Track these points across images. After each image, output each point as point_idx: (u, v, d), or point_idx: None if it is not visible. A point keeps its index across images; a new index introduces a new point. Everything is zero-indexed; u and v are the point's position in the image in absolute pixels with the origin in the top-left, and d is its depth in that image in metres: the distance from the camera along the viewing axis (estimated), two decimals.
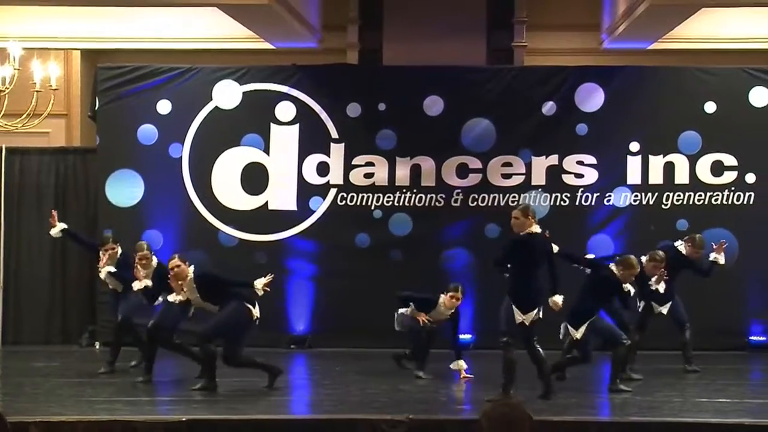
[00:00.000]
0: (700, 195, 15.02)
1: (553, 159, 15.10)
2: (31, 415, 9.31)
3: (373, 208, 15.23)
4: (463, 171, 15.16)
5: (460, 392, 11.94)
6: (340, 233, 15.14)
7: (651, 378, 12.08)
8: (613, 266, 11.33)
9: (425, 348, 12.52)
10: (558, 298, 10.79)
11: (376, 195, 15.21)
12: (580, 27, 16.05)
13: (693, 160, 15.06)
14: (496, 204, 15.08)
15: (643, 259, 12.02)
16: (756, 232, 14.82)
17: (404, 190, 15.19)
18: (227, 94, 15.36)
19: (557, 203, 15.02)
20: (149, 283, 11.95)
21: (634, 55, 15.75)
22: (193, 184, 15.30)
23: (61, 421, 9.16)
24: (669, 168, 15.08)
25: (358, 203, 15.22)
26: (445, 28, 15.48)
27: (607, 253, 13.16)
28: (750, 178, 14.98)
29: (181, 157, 15.34)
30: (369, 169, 15.24)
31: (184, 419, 9.26)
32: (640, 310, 12.62)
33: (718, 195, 15.01)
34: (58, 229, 13.33)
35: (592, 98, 15.14)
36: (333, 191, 15.26)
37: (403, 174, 15.19)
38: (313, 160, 15.28)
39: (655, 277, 12.01)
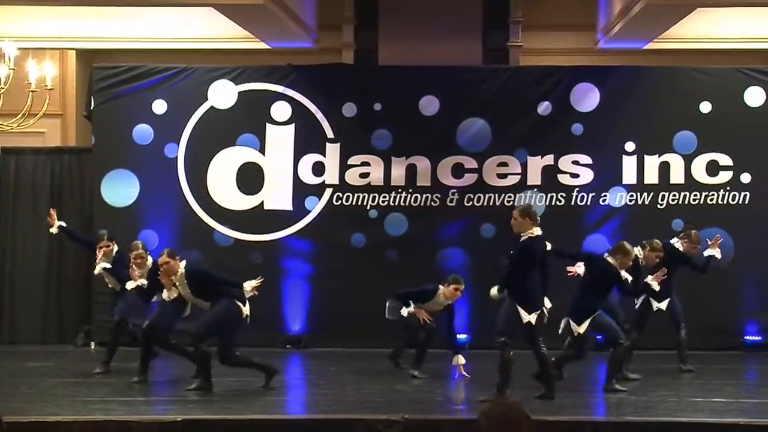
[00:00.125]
0: (696, 195, 15.03)
1: (549, 159, 15.11)
2: (26, 415, 9.31)
3: (368, 207, 15.23)
4: (458, 171, 15.16)
5: (456, 392, 11.95)
6: (335, 233, 15.14)
7: (646, 378, 12.08)
8: (607, 256, 11.36)
9: (423, 347, 12.49)
10: (546, 302, 10.79)
11: (371, 195, 15.21)
12: (576, 27, 16.07)
13: (688, 160, 15.08)
14: (491, 204, 15.09)
15: (637, 250, 12.04)
16: (751, 231, 14.84)
17: (400, 190, 15.19)
18: (223, 94, 15.36)
19: (553, 203, 15.02)
20: (144, 282, 11.94)
21: (630, 55, 15.77)
22: (189, 184, 15.29)
23: (56, 421, 9.15)
24: (664, 168, 15.09)
25: (354, 203, 15.22)
26: (441, 28, 15.49)
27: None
28: (745, 178, 15.00)
29: (176, 157, 15.33)
30: (364, 169, 15.24)
31: (179, 419, 9.26)
32: (637, 307, 12.64)
33: (713, 195, 15.03)
34: (55, 226, 13.38)
35: (587, 98, 15.15)
36: (328, 191, 15.26)
37: (398, 174, 15.19)
38: (309, 159, 15.27)
39: (655, 275, 12.00)
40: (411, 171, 15.20)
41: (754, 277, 14.91)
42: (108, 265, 12.90)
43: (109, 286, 13.11)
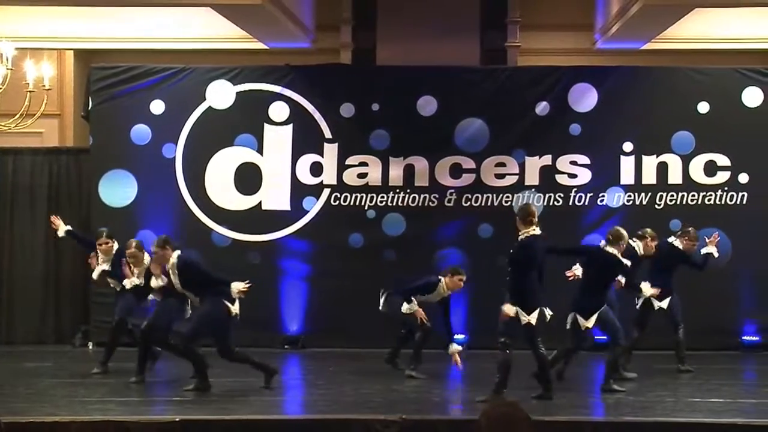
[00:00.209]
0: (694, 195, 15.03)
1: (547, 159, 15.11)
2: (24, 416, 9.31)
3: (366, 208, 15.23)
4: (456, 171, 15.16)
5: (454, 392, 11.96)
6: (333, 233, 15.14)
7: (644, 378, 12.09)
8: (604, 246, 11.39)
9: (419, 347, 12.48)
10: (546, 312, 10.78)
11: (369, 195, 15.21)
12: (574, 27, 16.07)
13: (686, 160, 15.08)
14: (489, 204, 15.10)
15: (632, 243, 12.15)
16: (749, 232, 14.85)
17: (398, 190, 15.20)
18: (221, 94, 15.36)
19: (551, 203, 15.03)
20: (138, 281, 11.92)
21: (628, 56, 15.77)
22: (187, 184, 15.29)
23: (54, 421, 9.14)
24: (662, 168, 15.10)
25: (352, 203, 15.22)
26: (439, 29, 15.48)
27: None
28: (743, 178, 15.00)
29: (174, 157, 15.33)
30: (362, 169, 15.24)
31: (177, 419, 9.26)
32: (638, 307, 12.68)
33: (711, 195, 15.03)
34: (62, 230, 13.36)
35: (585, 98, 15.15)
36: (326, 191, 15.25)
37: (396, 174, 15.20)
38: (307, 160, 15.27)
39: (651, 287, 12.10)
40: (409, 171, 15.20)
41: (752, 277, 14.92)
42: (106, 267, 12.87)
43: (111, 285, 13.05)
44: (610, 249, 11.34)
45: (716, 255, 13.10)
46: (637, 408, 10.27)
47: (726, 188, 15.03)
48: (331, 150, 15.27)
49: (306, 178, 15.27)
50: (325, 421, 9.58)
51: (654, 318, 12.77)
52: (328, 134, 15.27)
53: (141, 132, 15.36)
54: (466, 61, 15.55)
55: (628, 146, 15.09)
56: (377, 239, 15.15)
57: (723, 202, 15.02)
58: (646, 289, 12.31)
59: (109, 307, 13.76)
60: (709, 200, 15.02)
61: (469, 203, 15.15)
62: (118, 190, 15.28)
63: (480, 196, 15.12)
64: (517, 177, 15.14)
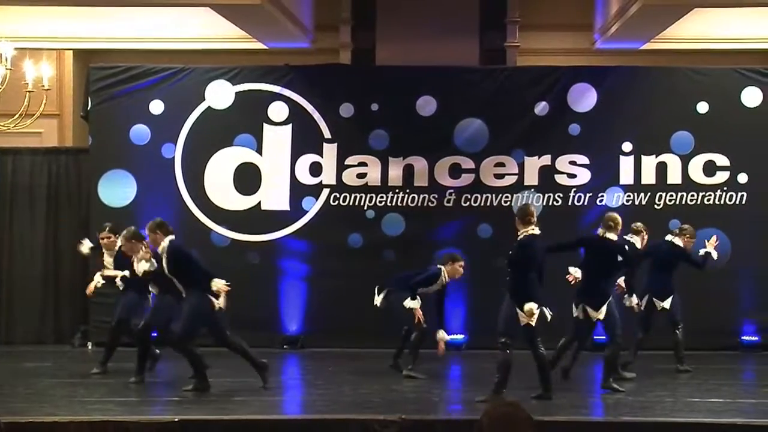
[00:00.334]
0: (693, 195, 15.04)
1: (546, 159, 15.11)
2: (23, 416, 9.31)
3: (365, 208, 15.23)
4: (455, 171, 15.16)
5: (453, 393, 11.96)
6: (332, 233, 15.14)
7: (643, 378, 12.09)
8: (603, 233, 11.42)
9: (416, 346, 12.45)
10: (546, 313, 10.77)
11: (368, 195, 15.22)
12: (573, 27, 16.07)
13: (685, 160, 15.09)
14: (488, 204, 15.10)
15: (629, 239, 12.31)
16: (748, 232, 14.86)
17: (397, 190, 15.20)
18: (220, 94, 15.36)
19: (550, 203, 15.03)
20: (148, 266, 11.79)
21: (627, 56, 15.77)
22: (186, 184, 15.29)
23: (53, 421, 9.14)
24: (661, 168, 15.10)
25: (351, 203, 15.22)
26: (438, 29, 15.48)
27: None
28: (742, 178, 15.01)
29: (173, 157, 15.33)
30: (362, 169, 15.24)
31: (176, 419, 9.25)
32: (642, 308, 12.71)
33: (710, 195, 15.04)
34: (86, 246, 13.25)
35: (584, 98, 15.16)
36: (326, 191, 15.25)
37: (395, 174, 15.20)
38: (306, 160, 15.27)
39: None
40: (408, 171, 15.20)
41: (751, 277, 14.93)
42: (108, 273, 12.76)
43: (118, 285, 12.90)
44: (610, 235, 11.39)
45: (715, 257, 13.10)
46: (636, 408, 10.27)
47: (725, 188, 15.04)
48: (330, 150, 15.27)
49: (305, 178, 15.27)
50: (324, 421, 9.58)
51: (657, 318, 12.82)
52: (327, 134, 15.27)
53: (140, 132, 15.36)
54: (465, 61, 15.55)
55: (627, 146, 15.10)
56: (376, 239, 15.15)
57: (722, 202, 15.02)
58: (631, 300, 12.29)
59: (109, 307, 13.75)
60: (709, 200, 15.02)
61: (468, 203, 15.15)
62: (117, 190, 15.27)
63: (479, 196, 15.13)
64: (516, 177, 15.14)
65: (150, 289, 12.08)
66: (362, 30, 15.91)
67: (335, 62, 15.82)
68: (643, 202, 15.02)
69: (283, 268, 15.28)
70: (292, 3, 14.41)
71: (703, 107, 15.12)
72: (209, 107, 15.35)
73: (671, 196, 15.04)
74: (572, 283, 11.95)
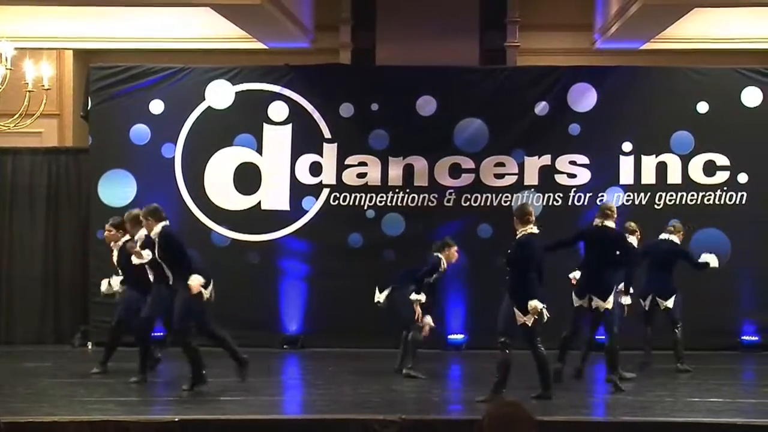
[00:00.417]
0: (693, 195, 15.04)
1: (546, 159, 15.11)
2: (23, 416, 9.31)
3: (365, 208, 15.23)
4: (455, 171, 15.16)
5: (453, 392, 11.95)
6: (332, 233, 15.14)
7: (643, 378, 12.10)
8: (602, 222, 11.45)
9: (416, 345, 12.40)
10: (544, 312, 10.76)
11: (368, 195, 15.22)
12: (573, 27, 16.07)
13: (685, 160, 15.09)
14: (488, 204, 15.10)
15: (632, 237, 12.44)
16: (748, 232, 14.86)
17: (397, 190, 15.20)
18: (220, 94, 15.36)
19: (550, 203, 15.03)
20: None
21: (627, 55, 15.77)
22: (186, 184, 15.29)
23: (53, 421, 9.14)
24: (661, 168, 15.10)
25: (351, 203, 15.22)
26: (438, 29, 15.48)
27: None
28: (742, 178, 15.01)
29: (173, 157, 15.33)
30: (362, 169, 15.24)
31: (176, 419, 9.26)
32: (646, 308, 12.76)
33: (710, 195, 15.04)
34: (116, 284, 12.89)
35: (584, 98, 15.16)
36: (326, 191, 15.25)
37: (395, 174, 15.20)
38: (306, 160, 15.27)
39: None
40: (408, 171, 15.20)
41: (751, 277, 14.93)
42: (114, 287, 12.65)
43: (117, 291, 12.81)
44: (609, 223, 11.44)
45: (715, 265, 13.14)
46: (636, 408, 10.27)
47: (725, 188, 15.04)
48: (330, 150, 15.27)
49: (305, 177, 15.27)
50: (324, 421, 9.58)
51: (659, 317, 12.88)
52: (327, 134, 15.27)
53: (140, 132, 15.36)
54: (465, 61, 15.55)
55: (627, 146, 15.10)
56: (376, 239, 15.15)
57: (722, 202, 15.02)
58: (624, 299, 12.30)
59: (109, 307, 13.74)
60: (709, 200, 15.02)
61: (468, 203, 15.15)
62: (117, 189, 15.27)
63: (479, 196, 15.13)
64: (516, 177, 15.14)
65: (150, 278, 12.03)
66: (362, 30, 15.91)
67: (335, 62, 15.82)
68: (643, 202, 15.02)
69: (283, 268, 15.28)
70: (292, 3, 14.41)
71: (703, 107, 15.12)
72: (209, 107, 15.35)
73: (671, 196, 15.04)
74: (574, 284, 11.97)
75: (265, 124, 15.30)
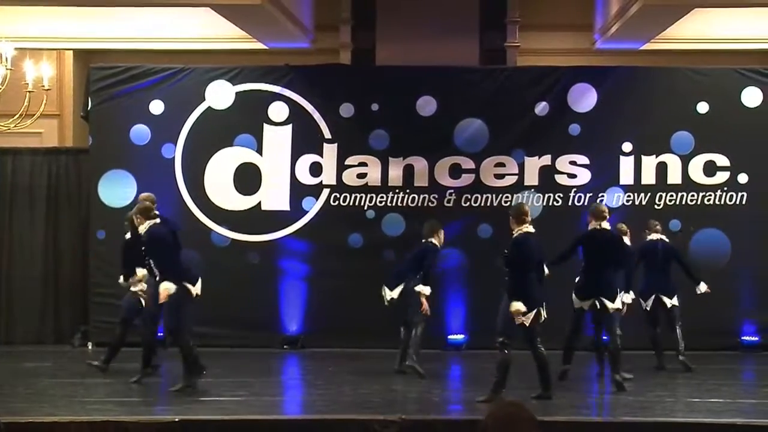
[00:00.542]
0: (693, 195, 15.04)
1: (546, 159, 15.11)
2: (23, 416, 9.31)
3: (366, 208, 15.23)
4: (456, 171, 15.16)
5: (453, 393, 11.95)
6: (333, 233, 15.14)
7: (643, 378, 12.09)
8: (599, 225, 11.45)
9: (421, 337, 12.36)
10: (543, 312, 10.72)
11: (369, 195, 15.21)
12: (573, 27, 16.07)
13: (686, 161, 15.08)
14: (488, 204, 15.09)
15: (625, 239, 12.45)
16: (748, 232, 14.86)
17: (397, 191, 15.19)
18: (220, 95, 15.35)
19: (550, 203, 15.03)
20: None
21: (627, 56, 15.78)
22: (186, 184, 15.29)
23: (53, 421, 9.14)
24: (662, 168, 15.10)
25: (351, 203, 15.22)
26: (438, 29, 15.48)
27: None
28: (742, 178, 15.01)
29: (173, 157, 15.32)
30: (362, 170, 15.24)
31: (176, 419, 9.26)
32: (648, 308, 12.78)
33: (710, 195, 15.03)
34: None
35: (584, 98, 15.15)
36: (326, 191, 15.25)
37: (396, 174, 15.19)
38: (306, 160, 15.27)
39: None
40: (408, 171, 15.20)
41: (751, 277, 14.93)
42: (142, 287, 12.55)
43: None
44: (605, 225, 11.50)
45: (703, 291, 13.18)
46: (636, 408, 10.27)
47: (725, 188, 15.03)
48: (330, 150, 15.27)
49: (305, 178, 15.27)
50: (324, 421, 9.58)
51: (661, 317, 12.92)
52: (327, 134, 15.27)
53: (140, 132, 15.36)
54: (465, 61, 15.55)
55: (627, 146, 15.09)
56: (377, 239, 15.14)
57: (722, 202, 15.02)
58: (627, 298, 12.30)
59: (109, 307, 13.76)
60: (709, 200, 15.02)
61: (468, 203, 15.15)
62: (117, 190, 15.26)
63: (479, 196, 15.12)
64: (516, 177, 15.14)
65: None
66: (362, 30, 15.91)
67: (335, 62, 15.82)
68: (644, 203, 15.02)
69: (283, 268, 15.27)
70: (292, 3, 14.41)
71: (703, 107, 15.12)
72: (209, 107, 15.35)
73: (671, 196, 15.04)
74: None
75: (265, 125, 15.29)
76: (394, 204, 15.19)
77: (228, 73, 15.39)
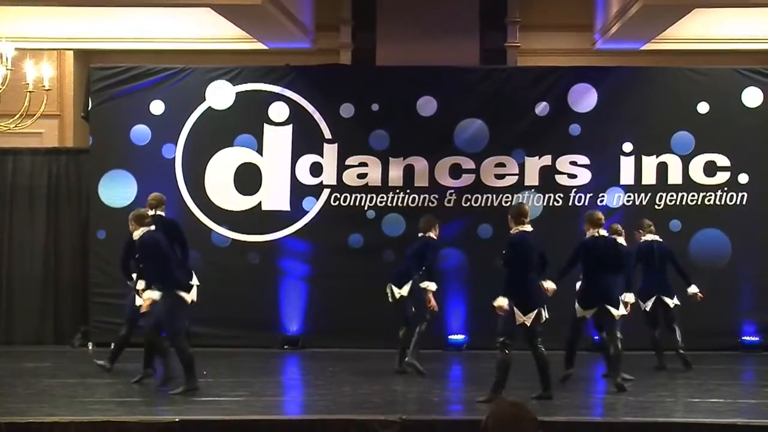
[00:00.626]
0: (693, 195, 15.03)
1: (546, 159, 15.11)
2: (23, 416, 9.31)
3: (366, 208, 15.23)
4: (456, 171, 15.16)
5: (453, 393, 11.94)
6: (333, 233, 15.14)
7: (643, 378, 12.09)
8: (597, 233, 11.47)
9: (421, 335, 12.34)
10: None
11: (369, 195, 15.21)
12: (573, 27, 16.07)
13: (686, 161, 15.08)
14: (489, 204, 15.09)
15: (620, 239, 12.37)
16: (749, 232, 14.86)
17: (397, 191, 15.19)
18: (220, 95, 15.36)
19: (550, 204, 15.03)
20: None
21: (627, 56, 15.78)
22: (186, 184, 15.29)
23: (54, 421, 9.14)
24: (662, 168, 15.10)
25: (352, 203, 15.22)
26: (439, 29, 15.48)
27: None
28: (743, 178, 15.00)
29: (174, 157, 15.32)
30: (362, 170, 15.24)
31: (177, 420, 9.26)
32: (648, 309, 12.80)
33: (711, 195, 15.03)
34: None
35: (585, 99, 15.15)
36: (326, 191, 15.25)
37: (396, 174, 15.20)
38: (307, 160, 15.27)
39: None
40: (408, 171, 15.20)
41: (751, 277, 14.93)
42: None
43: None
44: (603, 232, 11.48)
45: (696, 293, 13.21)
46: (636, 408, 10.27)
47: (726, 188, 15.03)
48: (330, 150, 15.27)
49: (306, 178, 15.27)
50: (324, 422, 9.57)
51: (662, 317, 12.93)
52: (327, 134, 15.27)
53: (141, 132, 15.36)
54: (465, 62, 15.55)
55: (627, 146, 15.10)
56: (377, 239, 15.14)
57: (723, 202, 15.01)
58: (629, 297, 12.29)
59: (109, 307, 13.75)
60: (709, 200, 15.02)
61: (468, 203, 15.14)
62: (117, 190, 15.26)
63: (480, 196, 15.12)
64: (516, 177, 15.13)
65: None
66: (362, 30, 15.92)
67: (336, 62, 15.83)
68: (644, 203, 15.02)
69: (283, 268, 15.27)
70: (293, 3, 14.41)
71: (703, 107, 15.12)
72: (210, 107, 15.35)
73: (672, 196, 15.04)
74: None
75: (265, 125, 15.30)
76: (394, 204, 15.19)
77: (228, 73, 15.40)
